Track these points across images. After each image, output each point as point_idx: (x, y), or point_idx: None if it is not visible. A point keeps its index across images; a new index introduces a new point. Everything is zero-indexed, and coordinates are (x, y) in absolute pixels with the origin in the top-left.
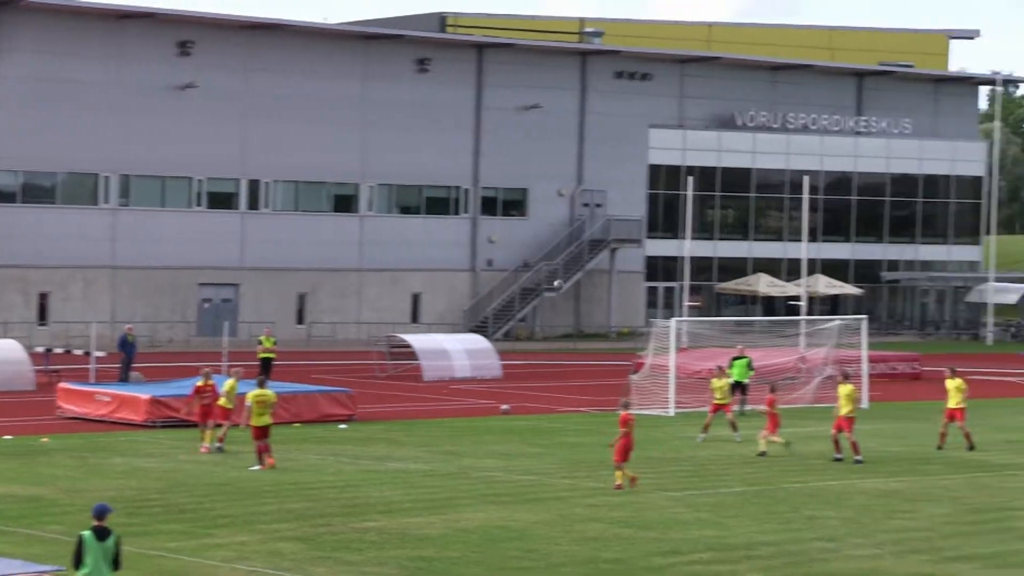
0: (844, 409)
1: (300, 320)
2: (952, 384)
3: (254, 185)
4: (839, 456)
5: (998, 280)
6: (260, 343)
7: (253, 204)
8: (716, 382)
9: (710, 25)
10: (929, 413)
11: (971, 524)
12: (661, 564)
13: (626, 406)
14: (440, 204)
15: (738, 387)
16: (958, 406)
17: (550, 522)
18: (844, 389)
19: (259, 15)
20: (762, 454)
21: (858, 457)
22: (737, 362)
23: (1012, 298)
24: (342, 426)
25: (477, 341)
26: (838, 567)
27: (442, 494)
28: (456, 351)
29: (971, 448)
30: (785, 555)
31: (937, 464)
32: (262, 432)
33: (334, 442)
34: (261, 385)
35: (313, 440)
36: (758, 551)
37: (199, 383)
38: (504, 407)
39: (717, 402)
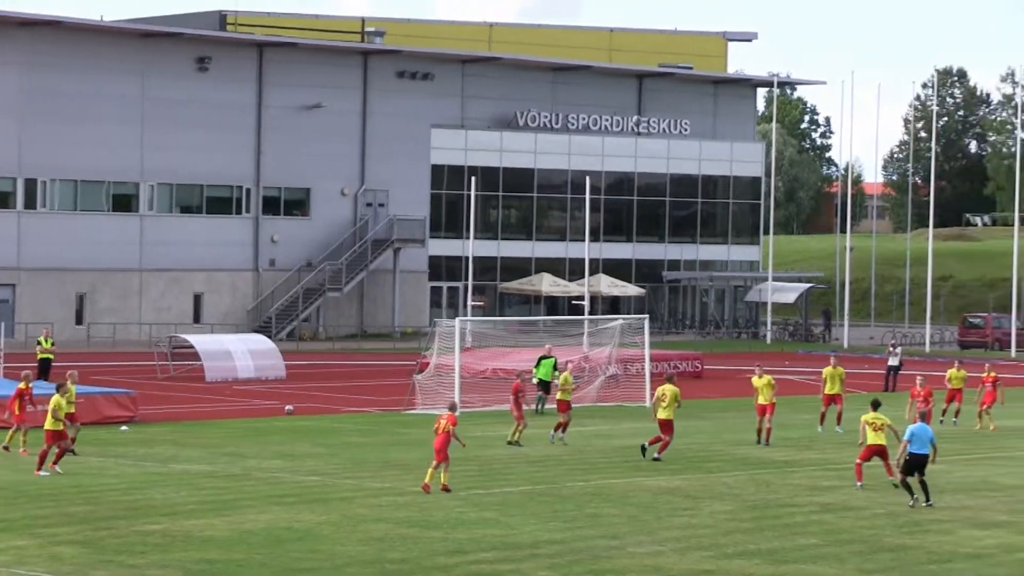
0: (763, 397)
1: (79, 321)
2: (760, 382)
3: (31, 184)
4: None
5: (776, 279)
6: (39, 344)
7: (30, 203)
8: (757, 380)
9: (491, 25)
10: (711, 411)
11: (753, 520)
12: (446, 563)
13: (452, 408)
14: (222, 204)
15: (543, 386)
16: (768, 402)
17: (335, 523)
18: (762, 381)
19: (37, 12)
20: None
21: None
22: (544, 361)
23: (790, 297)
24: (123, 428)
25: (260, 341)
26: (621, 564)
27: (226, 496)
28: (239, 351)
29: (767, 444)
30: (570, 553)
31: (719, 461)
32: (56, 436)
33: (116, 444)
34: (59, 390)
35: (95, 442)
36: (543, 549)
37: (20, 385)
38: (288, 408)
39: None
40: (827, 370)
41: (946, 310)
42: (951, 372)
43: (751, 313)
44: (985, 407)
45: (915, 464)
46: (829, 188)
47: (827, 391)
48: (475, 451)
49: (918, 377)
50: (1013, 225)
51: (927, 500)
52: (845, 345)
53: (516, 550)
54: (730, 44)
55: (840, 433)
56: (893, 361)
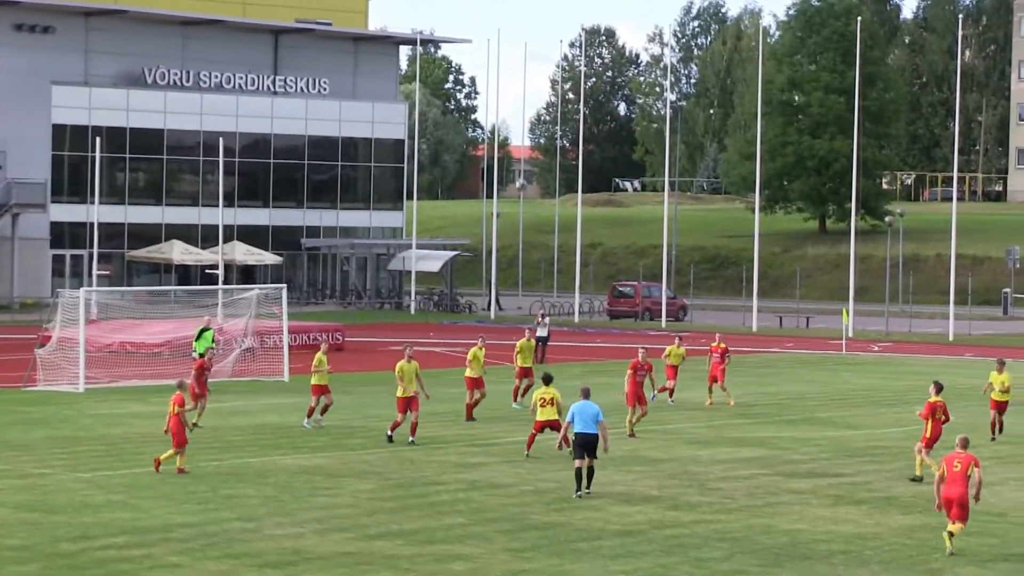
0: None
1: None
2: (677, 351)
3: None
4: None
5: (420, 247)
6: None
7: None
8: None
9: None
10: (353, 385)
11: (396, 500)
12: (71, 550)
13: (181, 386)
14: None
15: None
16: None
17: None
18: (679, 350)
19: None
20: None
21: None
22: (205, 334)
23: (435, 266)
24: None
25: None
26: (259, 547)
27: None
28: None
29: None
30: (203, 536)
31: (361, 438)
32: None
33: None
34: None
35: None
36: (175, 533)
37: None
38: None
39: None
40: (521, 342)
41: (595, 278)
42: (671, 348)
43: (394, 282)
44: (719, 382)
45: (583, 445)
46: (475, 151)
47: (521, 364)
48: (102, 430)
49: (640, 350)
50: (662, 191)
51: (587, 487)
52: (492, 316)
53: (146, 534)
54: (371, 0)
55: (518, 408)
56: (542, 332)
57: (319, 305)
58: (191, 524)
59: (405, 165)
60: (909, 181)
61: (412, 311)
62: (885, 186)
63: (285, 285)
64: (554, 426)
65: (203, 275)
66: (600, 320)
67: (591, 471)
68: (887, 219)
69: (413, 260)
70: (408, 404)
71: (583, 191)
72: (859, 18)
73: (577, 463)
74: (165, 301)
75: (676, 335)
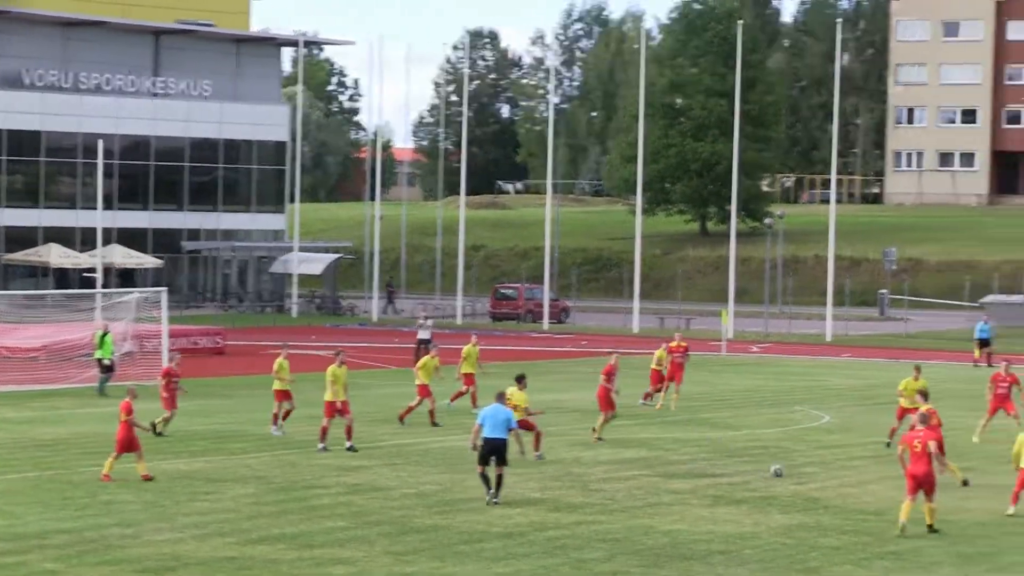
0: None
1: None
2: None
3: None
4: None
5: (303, 250)
6: None
7: None
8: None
9: None
10: (234, 389)
11: (277, 504)
12: None
13: (132, 394)
14: None
15: (107, 367)
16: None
17: None
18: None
19: None
20: None
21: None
22: (106, 338)
23: (317, 268)
24: None
25: None
26: (137, 553)
27: None
28: None
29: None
30: (81, 543)
31: (242, 442)
32: None
33: None
34: None
35: None
36: (51, 540)
37: None
38: None
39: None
40: (467, 348)
41: (478, 280)
42: (659, 353)
43: (276, 285)
44: (676, 383)
45: (491, 450)
46: (358, 154)
47: (464, 370)
48: None
49: (613, 355)
50: (545, 193)
51: (496, 496)
52: (375, 318)
53: (22, 541)
54: (254, 1)
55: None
56: (424, 334)
57: (200, 308)
58: (68, 530)
59: (287, 167)
60: (789, 183)
61: (294, 314)
62: (765, 188)
63: (165, 288)
64: (522, 425)
65: (81, 279)
66: (483, 322)
67: (500, 478)
68: (767, 221)
69: (295, 263)
70: (338, 409)
71: (466, 193)
72: (740, 22)
73: (480, 468)
74: (42, 305)
75: (677, 335)
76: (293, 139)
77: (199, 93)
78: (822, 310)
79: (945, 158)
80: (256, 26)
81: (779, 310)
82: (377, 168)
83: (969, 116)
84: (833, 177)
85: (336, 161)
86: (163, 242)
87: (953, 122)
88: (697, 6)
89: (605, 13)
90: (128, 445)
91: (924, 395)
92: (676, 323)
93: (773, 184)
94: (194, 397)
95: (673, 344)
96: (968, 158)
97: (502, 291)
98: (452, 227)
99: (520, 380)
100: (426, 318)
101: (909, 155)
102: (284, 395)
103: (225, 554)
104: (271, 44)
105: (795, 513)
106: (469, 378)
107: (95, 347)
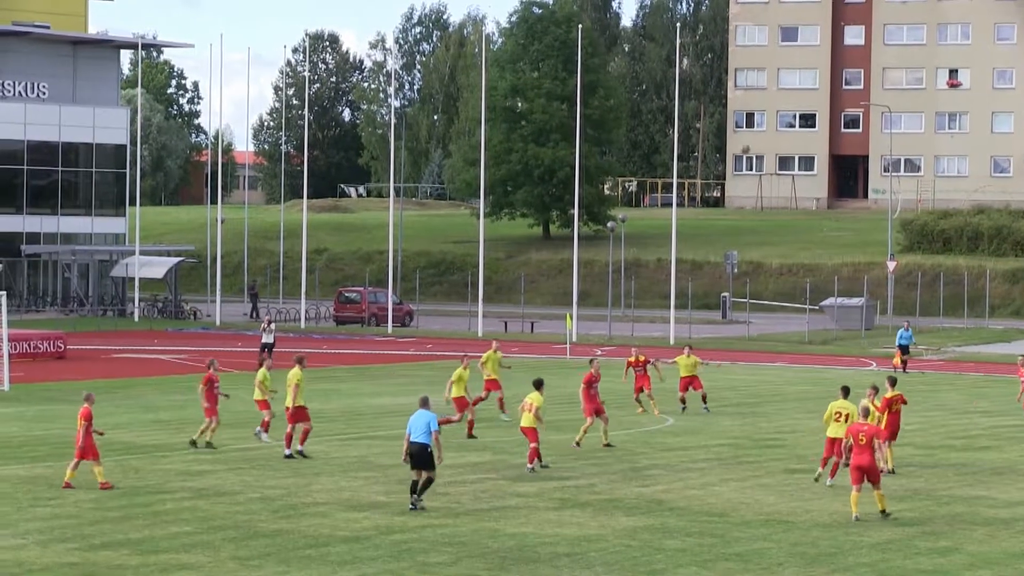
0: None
1: None
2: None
3: None
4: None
5: (144, 253)
6: None
7: None
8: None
9: None
10: (74, 393)
11: (121, 509)
12: None
13: (88, 399)
14: None
15: None
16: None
17: None
18: (688, 359)
19: None
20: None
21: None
22: None
23: (159, 272)
24: None
25: None
26: None
27: None
28: None
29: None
30: None
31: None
32: None
33: None
34: None
35: None
36: None
37: None
38: None
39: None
40: (458, 372)
41: (321, 284)
42: (680, 359)
43: (117, 289)
44: (647, 391)
45: (414, 455)
46: (199, 157)
47: (455, 394)
48: None
49: (595, 361)
50: (388, 197)
51: (420, 498)
52: (218, 322)
53: None
54: (91, 3)
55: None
56: (268, 338)
57: (40, 313)
58: None
59: (127, 170)
60: (631, 187)
61: (136, 318)
62: (607, 192)
63: (5, 292)
64: (527, 433)
65: None
66: (327, 326)
67: (428, 482)
68: (609, 225)
69: (136, 266)
70: (299, 415)
71: (308, 197)
72: (579, 26)
73: (413, 474)
74: None
75: (686, 346)
76: (133, 142)
77: (37, 95)
78: (665, 313)
79: (784, 162)
80: (94, 28)
81: (622, 313)
82: (218, 171)
83: (808, 120)
84: (675, 181)
85: (177, 164)
86: (2, 245)
87: (792, 126)
88: (537, 10)
89: (445, 16)
90: (85, 451)
91: (892, 382)
92: (520, 327)
93: (615, 188)
94: (35, 402)
95: (631, 359)
96: (807, 162)
97: (346, 295)
98: (295, 231)
99: (538, 385)
100: (269, 322)
101: (749, 159)
102: (265, 405)
103: (68, 560)
104: (109, 46)
105: (640, 515)
106: (493, 383)
107: None
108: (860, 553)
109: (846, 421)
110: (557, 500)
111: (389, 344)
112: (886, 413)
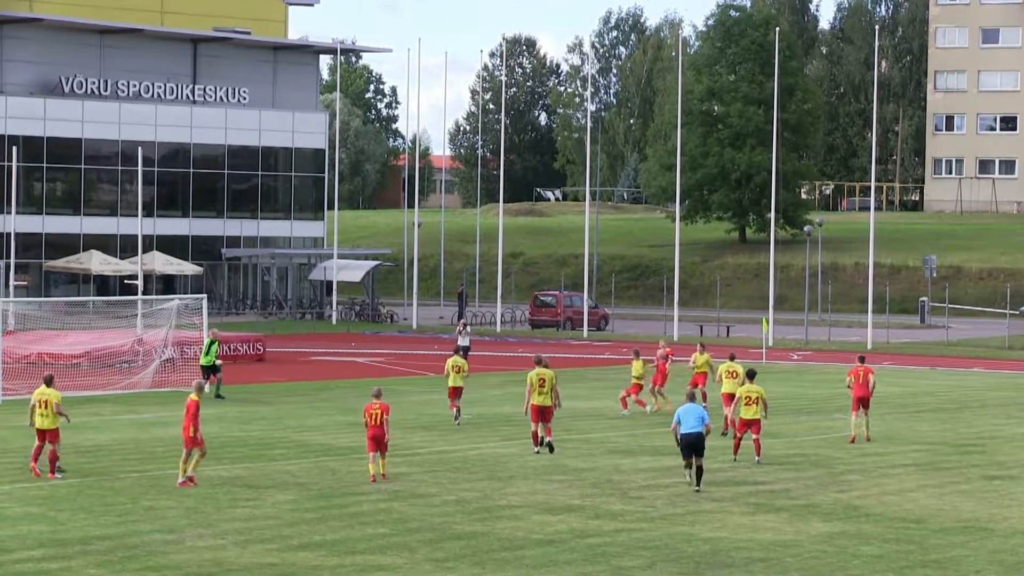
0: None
1: None
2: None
3: None
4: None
5: (341, 257)
6: None
7: None
8: (699, 358)
9: None
10: (274, 395)
11: (317, 510)
12: None
13: (200, 389)
14: None
15: (209, 371)
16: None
17: None
18: (702, 357)
19: None
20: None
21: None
22: (213, 347)
23: (356, 275)
24: None
25: None
26: (179, 559)
27: None
28: None
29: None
30: (123, 548)
31: (282, 449)
32: None
33: None
34: None
35: None
36: (94, 545)
37: None
38: None
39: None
40: (636, 363)
41: (517, 288)
42: (695, 356)
43: (316, 292)
44: (658, 386)
45: (694, 447)
46: (396, 161)
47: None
48: (20, 441)
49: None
50: (584, 200)
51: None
52: (414, 325)
53: (65, 547)
54: (291, 8)
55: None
56: (463, 341)
57: (240, 315)
58: (110, 536)
59: (326, 175)
60: (828, 191)
61: (334, 321)
62: (804, 196)
63: (205, 295)
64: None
65: (122, 285)
66: (522, 330)
67: (700, 469)
68: (806, 229)
69: (334, 270)
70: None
71: (504, 201)
72: (777, 28)
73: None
74: (84, 312)
75: (699, 343)
76: (331, 146)
77: (237, 100)
78: (862, 317)
79: (985, 165)
80: (293, 34)
81: (819, 317)
82: (415, 175)
83: (1009, 123)
84: (872, 184)
85: (374, 169)
86: (203, 249)
87: (993, 129)
88: (734, 13)
89: (642, 20)
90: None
91: (862, 359)
92: (716, 331)
93: (812, 192)
94: (234, 404)
95: (658, 355)
96: (1008, 165)
97: (541, 298)
98: (491, 234)
99: (751, 375)
100: (465, 325)
101: (948, 162)
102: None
103: (266, 560)
104: (309, 52)
105: (836, 521)
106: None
107: (202, 353)
108: None
109: None
110: (752, 505)
111: (584, 348)
112: (854, 386)
